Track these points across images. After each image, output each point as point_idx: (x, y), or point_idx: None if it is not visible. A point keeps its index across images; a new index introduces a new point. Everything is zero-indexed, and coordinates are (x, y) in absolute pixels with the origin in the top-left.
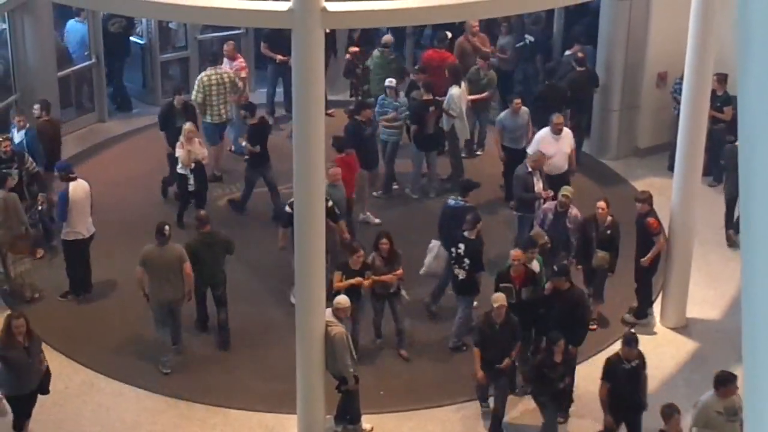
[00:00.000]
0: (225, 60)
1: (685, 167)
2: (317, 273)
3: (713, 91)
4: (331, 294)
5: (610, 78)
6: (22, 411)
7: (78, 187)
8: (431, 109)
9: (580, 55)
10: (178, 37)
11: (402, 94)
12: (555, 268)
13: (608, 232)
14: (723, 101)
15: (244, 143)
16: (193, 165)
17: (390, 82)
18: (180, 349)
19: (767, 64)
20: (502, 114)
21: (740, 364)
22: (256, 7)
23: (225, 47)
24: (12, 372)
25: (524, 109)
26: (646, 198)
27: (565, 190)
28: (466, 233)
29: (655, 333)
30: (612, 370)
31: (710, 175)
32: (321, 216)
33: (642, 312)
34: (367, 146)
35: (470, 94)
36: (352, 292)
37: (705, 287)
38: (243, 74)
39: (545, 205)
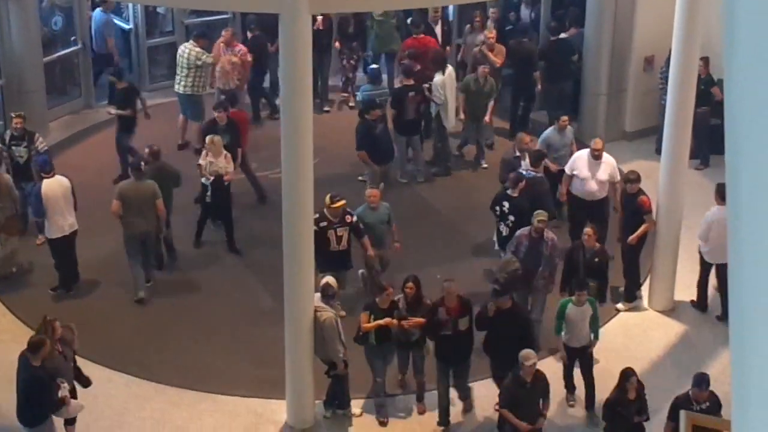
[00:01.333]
0: (222, 46)
1: (673, 150)
2: (306, 258)
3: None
4: (359, 335)
5: (597, 62)
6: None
7: (53, 184)
8: (410, 94)
9: (552, 24)
10: (165, 22)
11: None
12: (496, 287)
13: (596, 260)
14: (707, 83)
15: (111, 110)
16: (211, 177)
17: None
18: (152, 285)
19: (754, 47)
20: (548, 131)
21: (727, 347)
22: None
23: (224, 33)
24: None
25: (570, 127)
26: (636, 177)
27: (540, 214)
28: (509, 191)
29: (644, 311)
30: (679, 410)
31: (697, 158)
32: (309, 201)
33: (630, 294)
34: (380, 144)
35: (472, 103)
36: (381, 333)
37: (693, 270)
38: (249, 57)
39: (519, 232)
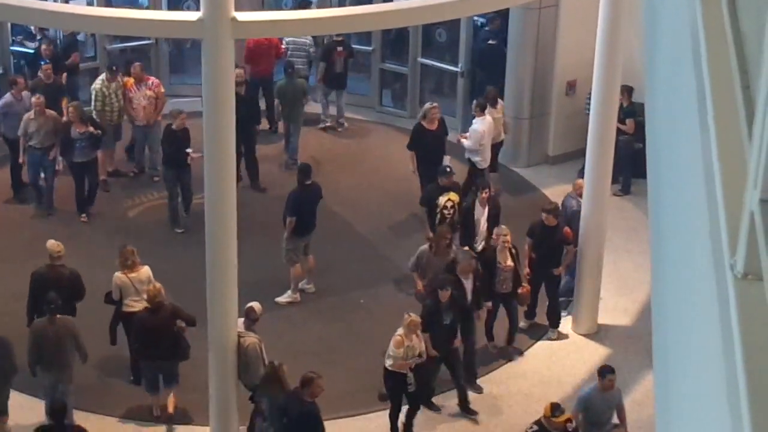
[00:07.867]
0: (132, 84)
1: (595, 175)
2: (229, 283)
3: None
4: None
5: (520, 86)
6: None
7: None
8: (339, 48)
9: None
10: (86, 47)
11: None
12: None
13: None
14: (627, 113)
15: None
16: (413, 364)
17: None
18: None
19: (673, 73)
20: (588, 390)
21: (651, 369)
22: (166, 17)
23: (132, 69)
24: None
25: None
26: (555, 208)
27: None
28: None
29: (568, 335)
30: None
31: (617, 183)
32: (232, 225)
33: (556, 321)
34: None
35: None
36: None
37: (616, 294)
38: (162, 89)
39: None
